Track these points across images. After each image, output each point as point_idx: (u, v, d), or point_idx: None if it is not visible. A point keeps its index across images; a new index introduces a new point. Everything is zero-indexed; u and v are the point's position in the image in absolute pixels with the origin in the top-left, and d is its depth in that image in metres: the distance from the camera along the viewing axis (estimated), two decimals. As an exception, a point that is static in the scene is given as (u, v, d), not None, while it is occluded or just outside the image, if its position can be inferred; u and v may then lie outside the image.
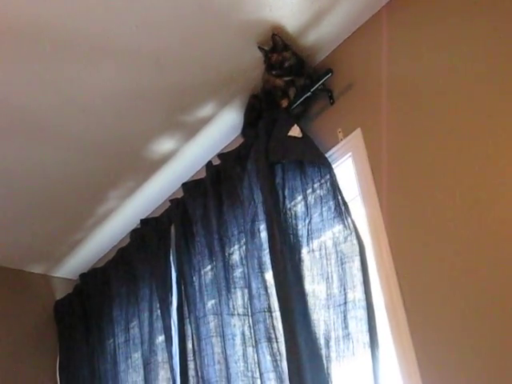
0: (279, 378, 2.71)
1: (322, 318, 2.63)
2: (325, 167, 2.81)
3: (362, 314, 2.51)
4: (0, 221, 3.95)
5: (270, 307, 2.82)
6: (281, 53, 2.99)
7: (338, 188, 2.74)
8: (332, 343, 2.56)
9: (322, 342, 2.60)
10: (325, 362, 2.56)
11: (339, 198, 2.72)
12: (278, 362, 2.72)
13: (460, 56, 2.57)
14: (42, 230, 4.12)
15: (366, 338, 2.47)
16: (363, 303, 2.53)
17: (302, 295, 2.70)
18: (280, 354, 2.73)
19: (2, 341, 4.23)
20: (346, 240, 2.65)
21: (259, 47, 3.02)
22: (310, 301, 2.68)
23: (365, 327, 2.49)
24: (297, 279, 2.72)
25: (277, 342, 2.76)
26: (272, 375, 2.73)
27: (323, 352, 2.58)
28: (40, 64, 2.92)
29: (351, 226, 2.66)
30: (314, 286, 2.68)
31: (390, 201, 2.66)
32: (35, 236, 4.16)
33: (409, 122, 2.68)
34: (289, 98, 3.07)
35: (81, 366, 4.15)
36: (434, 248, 2.45)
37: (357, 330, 2.51)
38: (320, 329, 2.62)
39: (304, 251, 2.77)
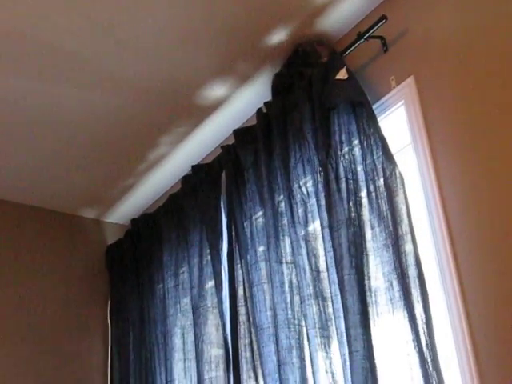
0: (326, 336, 2.73)
1: (384, 259, 2.60)
2: (367, 104, 2.80)
3: (409, 248, 2.51)
4: (53, 166, 4.02)
5: (318, 267, 2.84)
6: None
7: (377, 122, 2.75)
8: (395, 283, 2.53)
9: (386, 285, 2.57)
10: (390, 304, 2.53)
11: (380, 131, 2.72)
12: (323, 322, 2.74)
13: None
14: (94, 175, 4.18)
15: (415, 272, 2.46)
16: (409, 236, 2.52)
17: (361, 242, 2.69)
18: (326, 313, 2.75)
19: (54, 284, 4.34)
20: (391, 174, 2.64)
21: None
22: (373, 245, 2.67)
23: (413, 261, 2.48)
24: (356, 226, 2.71)
25: (325, 299, 2.78)
26: (319, 332, 2.75)
27: (388, 295, 2.55)
28: (93, 9, 2.93)
29: (393, 158, 2.65)
30: (376, 229, 2.66)
31: (442, 150, 2.63)
32: (88, 181, 4.23)
33: (463, 70, 2.63)
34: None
35: (131, 309, 4.23)
36: (486, 201, 2.43)
37: (406, 265, 2.50)
38: (384, 271, 2.59)
39: (363, 195, 2.75)
